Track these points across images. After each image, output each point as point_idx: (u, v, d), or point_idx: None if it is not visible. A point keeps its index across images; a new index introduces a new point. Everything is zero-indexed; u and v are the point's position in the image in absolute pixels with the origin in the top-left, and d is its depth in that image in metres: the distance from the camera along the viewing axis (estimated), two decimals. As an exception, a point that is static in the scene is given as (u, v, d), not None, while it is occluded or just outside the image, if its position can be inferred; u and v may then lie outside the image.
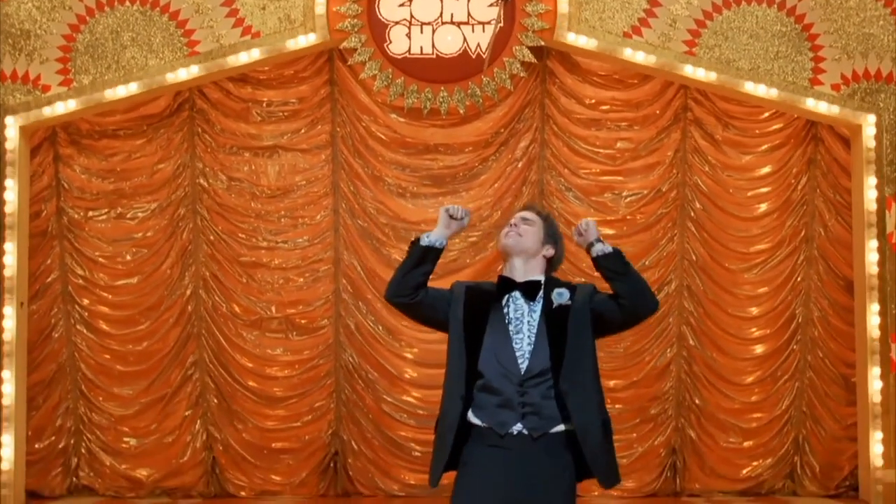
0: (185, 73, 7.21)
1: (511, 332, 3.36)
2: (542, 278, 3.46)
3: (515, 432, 3.27)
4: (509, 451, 3.25)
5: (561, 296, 3.39)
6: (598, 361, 3.45)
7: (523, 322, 3.37)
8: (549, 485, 3.27)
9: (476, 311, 3.39)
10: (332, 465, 7.64)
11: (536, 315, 3.38)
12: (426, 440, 7.42)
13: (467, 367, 3.34)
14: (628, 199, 7.69)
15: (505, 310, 3.40)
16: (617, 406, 7.55)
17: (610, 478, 3.40)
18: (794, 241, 7.68)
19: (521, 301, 3.41)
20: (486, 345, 3.35)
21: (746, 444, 7.64)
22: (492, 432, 3.28)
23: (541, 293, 3.40)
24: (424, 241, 3.44)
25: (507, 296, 3.41)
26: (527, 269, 3.45)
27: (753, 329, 7.69)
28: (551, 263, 3.52)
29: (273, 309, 7.65)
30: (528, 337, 3.35)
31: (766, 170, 7.68)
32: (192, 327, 7.64)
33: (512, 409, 3.28)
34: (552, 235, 3.53)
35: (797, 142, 7.66)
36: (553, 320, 3.37)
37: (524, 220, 3.49)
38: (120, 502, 7.48)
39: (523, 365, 3.32)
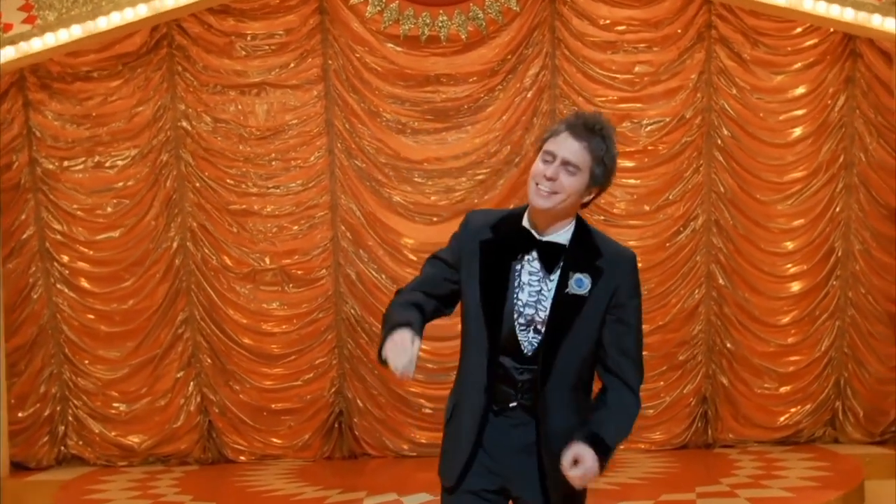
0: (160, 4, 6.91)
1: (519, 305, 2.91)
2: (568, 235, 2.94)
3: (511, 406, 2.93)
4: (509, 417, 2.92)
5: (580, 284, 2.89)
6: (590, 374, 3.00)
7: (536, 297, 2.91)
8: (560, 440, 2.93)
9: (495, 275, 2.92)
10: (336, 425, 7.55)
11: (550, 293, 2.91)
12: (436, 395, 7.41)
13: (489, 348, 2.90)
14: (649, 127, 7.43)
15: (517, 269, 2.93)
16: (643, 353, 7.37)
17: None
18: (831, 167, 7.43)
19: (537, 266, 2.93)
20: (505, 316, 2.91)
21: (783, 389, 7.50)
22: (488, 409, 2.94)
23: (560, 264, 2.91)
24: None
25: (521, 253, 2.93)
26: (555, 224, 2.93)
27: (789, 265, 7.49)
28: (586, 203, 2.99)
29: (267, 260, 7.48)
30: (538, 319, 2.90)
31: (800, 90, 7.39)
32: (180, 283, 7.49)
33: (511, 384, 2.92)
34: (603, 175, 2.91)
35: (833, 58, 7.35)
36: (559, 306, 2.91)
37: (567, 166, 2.85)
38: (112, 471, 7.38)
39: (525, 347, 2.91)
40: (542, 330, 2.90)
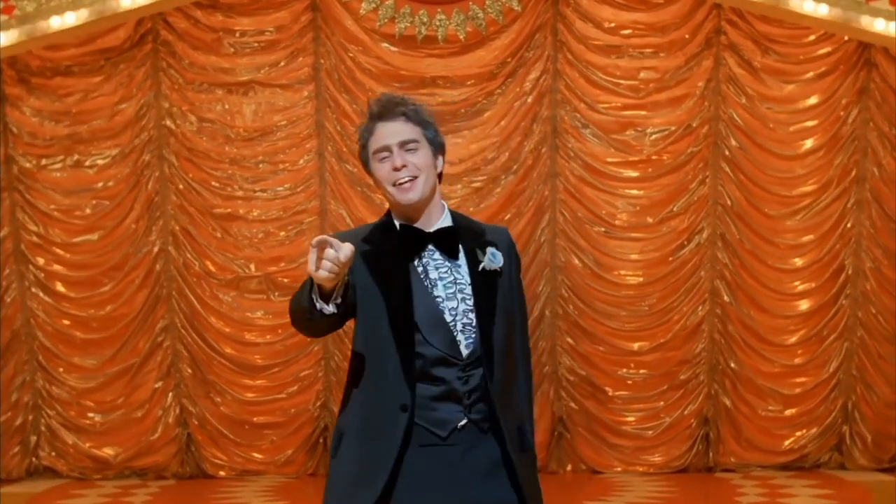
0: (146, -3, 6.73)
1: (440, 302, 2.71)
2: (449, 218, 2.79)
3: (460, 426, 2.68)
4: (454, 447, 2.68)
5: (493, 258, 2.76)
6: (527, 354, 2.88)
7: (454, 287, 2.73)
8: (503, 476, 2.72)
9: (395, 284, 2.69)
10: (321, 440, 7.36)
11: (465, 278, 2.73)
12: None
13: (403, 357, 2.65)
14: (653, 136, 7.25)
15: (421, 272, 2.73)
16: (642, 371, 7.29)
17: None
18: (843, 181, 7.25)
19: (440, 258, 2.75)
20: (420, 321, 2.68)
21: (788, 412, 7.33)
22: (428, 433, 2.67)
23: (460, 246, 2.76)
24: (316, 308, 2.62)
25: (415, 253, 2.73)
26: (429, 211, 2.76)
27: (796, 282, 7.32)
28: (440, 175, 2.84)
29: (252, 267, 7.31)
30: (464, 307, 2.71)
31: (812, 101, 7.21)
32: (160, 289, 7.31)
33: (456, 399, 2.68)
34: (435, 135, 2.80)
35: (847, 68, 7.17)
36: (480, 287, 2.73)
37: (405, 146, 2.72)
38: (85, 484, 7.19)
39: (467, 344, 2.70)
40: (473, 319, 2.70)
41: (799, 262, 7.30)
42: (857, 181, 7.26)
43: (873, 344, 7.30)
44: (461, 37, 7.05)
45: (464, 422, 2.68)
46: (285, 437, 7.34)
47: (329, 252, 2.48)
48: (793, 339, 7.32)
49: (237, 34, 7.22)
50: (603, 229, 7.23)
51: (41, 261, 7.28)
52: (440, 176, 2.82)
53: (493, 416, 2.70)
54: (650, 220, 7.28)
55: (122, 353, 7.28)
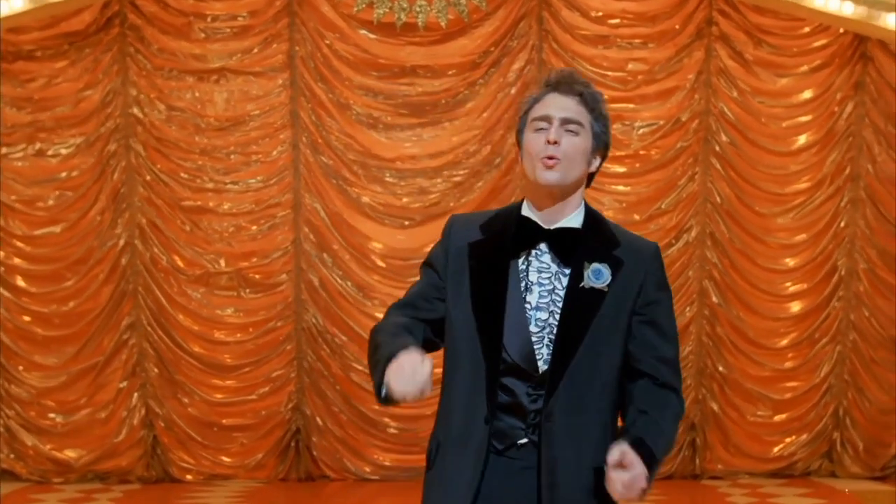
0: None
1: (528, 309, 2.48)
2: (580, 219, 2.54)
3: (520, 443, 2.48)
4: (513, 460, 2.49)
5: (599, 276, 2.48)
6: (619, 393, 2.55)
7: (549, 297, 2.49)
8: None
9: (491, 280, 2.49)
10: (293, 444, 7.21)
11: (563, 288, 2.48)
12: (402, 415, 7.08)
13: (488, 370, 2.46)
14: (641, 130, 7.12)
15: (522, 268, 2.50)
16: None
17: None
18: (837, 179, 7.13)
19: (548, 259, 2.50)
20: (506, 325, 2.47)
21: (778, 417, 7.22)
22: (491, 443, 2.49)
23: (576, 254, 2.51)
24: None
25: (526, 249, 2.51)
26: (563, 205, 2.53)
27: (788, 283, 7.20)
28: (591, 177, 2.61)
29: (222, 262, 7.14)
30: (553, 321, 2.47)
31: (806, 95, 7.08)
32: (126, 284, 7.12)
33: (521, 415, 2.47)
34: (604, 132, 2.57)
35: (842, 61, 7.05)
36: (574, 304, 2.46)
37: (567, 125, 2.49)
38: (45, 488, 7.00)
39: (544, 358, 2.47)
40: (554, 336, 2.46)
41: (791, 262, 7.19)
42: (852, 179, 7.15)
43: (866, 348, 7.19)
44: (442, 24, 6.88)
45: (524, 440, 2.46)
46: (256, 441, 7.17)
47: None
48: (783, 342, 7.21)
49: (209, 19, 7.04)
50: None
51: (1, 254, 7.07)
52: (591, 177, 2.57)
53: (551, 441, 2.46)
54: (637, 217, 7.13)
55: (85, 351, 7.09)
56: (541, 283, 2.49)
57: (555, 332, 2.46)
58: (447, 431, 2.55)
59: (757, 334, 7.19)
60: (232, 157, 7.14)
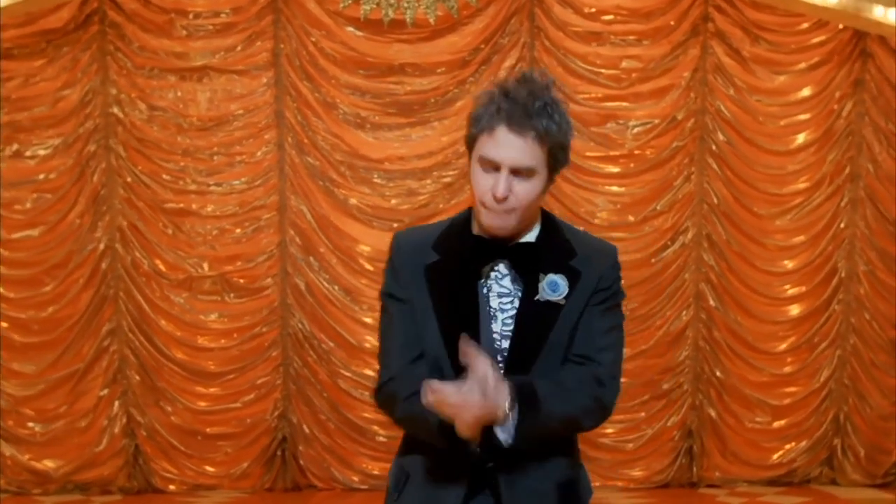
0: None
1: (496, 340, 2.35)
2: (536, 232, 2.40)
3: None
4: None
5: (555, 288, 2.34)
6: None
7: (512, 324, 2.36)
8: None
9: (459, 306, 2.34)
10: (279, 452, 7.06)
11: (516, 302, 2.36)
12: (391, 423, 6.96)
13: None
14: (636, 129, 6.96)
15: (485, 293, 2.35)
16: (622, 380, 6.92)
17: None
18: (836, 179, 6.99)
19: (508, 281, 2.36)
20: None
21: (777, 424, 7.09)
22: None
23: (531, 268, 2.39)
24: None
25: (486, 269, 2.36)
26: (517, 230, 2.38)
27: (787, 286, 7.06)
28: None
29: (205, 266, 6.98)
30: (506, 345, 2.36)
31: (805, 93, 6.93)
32: (107, 289, 6.96)
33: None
34: (564, 155, 2.37)
35: (841, 58, 6.90)
36: (527, 319, 2.32)
37: (518, 174, 2.29)
38: (23, 500, 6.84)
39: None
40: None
41: (789, 264, 7.05)
42: (851, 179, 7.01)
43: (867, 352, 7.06)
44: (431, 21, 6.73)
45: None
46: (241, 449, 7.02)
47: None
48: (782, 347, 7.07)
49: (191, 16, 6.87)
50: (581, 228, 6.93)
51: (-23, 258, 6.93)
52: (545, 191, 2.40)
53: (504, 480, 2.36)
54: (632, 218, 6.99)
55: (64, 358, 6.92)
56: (503, 310, 2.34)
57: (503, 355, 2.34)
58: (417, 462, 2.42)
59: (755, 338, 7.05)
60: (215, 157, 6.97)
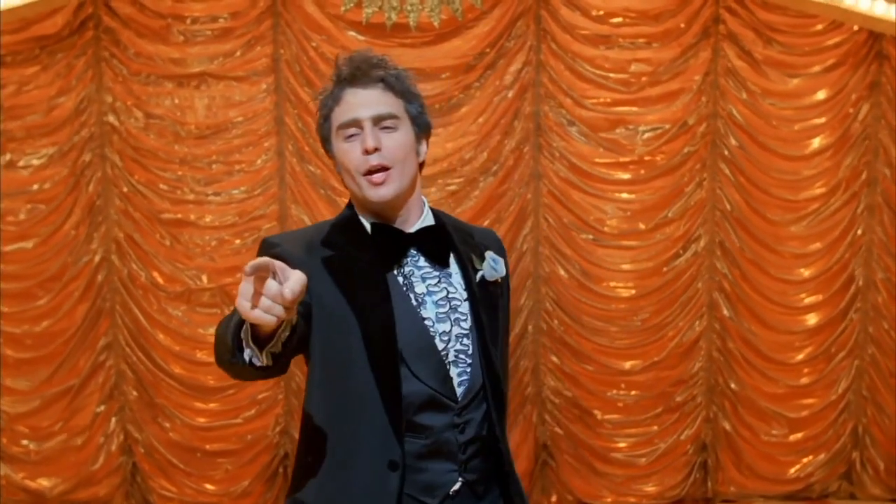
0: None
1: (430, 325, 2.19)
2: (430, 216, 2.31)
3: (453, 491, 2.19)
4: None
5: (495, 265, 2.26)
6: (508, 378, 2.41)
7: (447, 305, 2.21)
8: None
9: (367, 295, 2.16)
10: (281, 469, 6.89)
11: (460, 292, 2.22)
12: None
13: (387, 400, 2.13)
14: (646, 135, 6.82)
15: (403, 284, 2.21)
16: (634, 392, 6.85)
17: None
18: (852, 184, 6.83)
19: (427, 266, 2.24)
20: (405, 350, 2.16)
21: (793, 437, 6.93)
22: (413, 501, 2.16)
23: (450, 251, 2.27)
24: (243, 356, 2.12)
25: (394, 259, 2.23)
26: (407, 210, 2.28)
27: (802, 295, 6.90)
28: (422, 165, 2.37)
29: (204, 278, 6.83)
30: (458, 330, 2.21)
31: (820, 96, 6.77)
32: (103, 302, 6.81)
33: (449, 455, 2.18)
34: (421, 110, 2.32)
35: (857, 60, 6.75)
36: (480, 303, 2.22)
37: (382, 123, 2.22)
38: (18, 520, 6.71)
39: (460, 381, 2.19)
40: (470, 346, 2.17)
41: (805, 272, 6.89)
42: (868, 184, 6.84)
43: (885, 362, 6.89)
44: (435, 24, 6.59)
45: (458, 485, 2.17)
46: (241, 467, 6.86)
47: (271, 285, 1.83)
48: (798, 357, 6.91)
49: (188, 21, 6.73)
50: (591, 236, 6.81)
51: (-31, 271, 6.79)
52: (422, 165, 2.30)
53: (498, 474, 2.19)
54: (643, 226, 6.84)
55: (59, 373, 6.77)
56: (431, 292, 2.20)
57: (461, 342, 2.18)
58: (317, 496, 2.22)
59: (770, 349, 6.89)
60: (214, 166, 6.82)
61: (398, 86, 2.27)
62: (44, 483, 6.84)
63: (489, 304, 2.24)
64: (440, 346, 2.18)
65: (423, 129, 2.31)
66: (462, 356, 2.20)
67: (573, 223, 6.83)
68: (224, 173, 6.84)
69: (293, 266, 1.97)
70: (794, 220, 6.86)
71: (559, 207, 6.85)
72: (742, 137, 6.82)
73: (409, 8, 6.48)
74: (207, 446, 6.86)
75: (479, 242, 2.32)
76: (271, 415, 6.90)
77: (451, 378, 2.18)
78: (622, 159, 6.81)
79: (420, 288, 2.22)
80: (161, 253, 6.80)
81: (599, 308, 6.85)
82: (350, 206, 2.33)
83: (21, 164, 6.78)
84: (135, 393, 6.86)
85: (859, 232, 6.88)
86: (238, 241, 6.85)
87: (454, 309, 2.22)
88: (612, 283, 6.88)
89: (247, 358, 2.02)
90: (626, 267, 6.86)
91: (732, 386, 6.92)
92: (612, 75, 6.79)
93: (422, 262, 2.24)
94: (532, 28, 6.78)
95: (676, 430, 6.91)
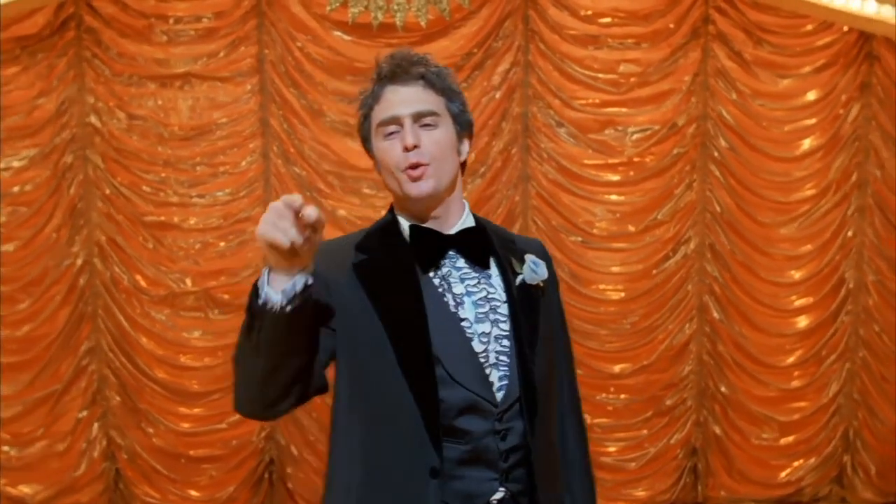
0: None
1: (467, 326, 2.14)
2: (471, 218, 2.28)
3: (495, 500, 2.13)
4: None
5: (536, 267, 2.21)
6: (578, 399, 2.37)
7: (487, 306, 2.17)
8: None
9: (403, 305, 2.12)
10: (266, 475, 6.86)
11: (500, 293, 2.17)
12: None
13: (423, 404, 2.08)
14: (635, 136, 6.78)
15: (440, 286, 2.17)
16: (623, 396, 6.82)
17: None
18: (843, 186, 6.81)
19: (466, 267, 2.19)
20: (442, 352, 2.11)
21: (784, 440, 6.91)
22: None
23: (490, 252, 2.24)
24: (258, 302, 2.06)
25: (432, 262, 2.19)
26: (446, 209, 2.24)
27: (793, 297, 6.87)
28: (464, 165, 2.33)
29: (188, 281, 6.77)
30: (497, 332, 2.15)
31: (810, 97, 6.75)
32: (85, 306, 6.74)
33: (489, 463, 2.12)
34: (462, 108, 2.30)
35: (847, 61, 6.73)
36: (520, 306, 2.16)
37: (422, 120, 2.20)
38: (-2, 528, 6.64)
39: (500, 385, 2.13)
40: (509, 347, 2.11)
41: (796, 274, 6.86)
42: (859, 185, 6.83)
43: (876, 365, 6.88)
44: (422, 24, 6.54)
45: (500, 495, 2.11)
46: (226, 473, 6.80)
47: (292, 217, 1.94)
48: (789, 360, 6.89)
49: (171, 20, 6.65)
50: (580, 239, 6.78)
51: (-51, 275, 6.72)
52: (464, 165, 2.28)
53: (532, 487, 2.11)
54: (632, 228, 6.81)
55: (41, 378, 6.69)
56: (470, 293, 2.16)
57: (501, 343, 2.12)
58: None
59: (761, 352, 6.86)
60: (198, 168, 6.76)
61: (439, 83, 2.24)
62: (25, 490, 6.77)
63: (529, 307, 2.18)
64: (479, 347, 2.14)
65: (464, 128, 2.28)
66: (503, 357, 2.14)
67: (562, 225, 6.79)
68: (208, 175, 6.78)
69: (321, 280, 2.06)
70: (785, 221, 6.84)
71: (548, 210, 6.81)
72: (732, 139, 6.79)
73: (395, 7, 6.44)
74: (192, 452, 6.80)
75: (521, 248, 2.29)
76: (256, 421, 6.83)
77: (492, 382, 2.13)
78: (611, 161, 6.78)
79: (459, 288, 2.18)
80: (144, 256, 6.74)
81: (589, 311, 6.81)
82: (391, 210, 2.31)
83: (1, 165, 6.69)
84: (118, 398, 6.80)
85: (850, 234, 6.87)
86: (223, 244, 6.79)
87: (494, 310, 2.17)
88: (602, 286, 6.85)
89: (265, 301, 2.05)
90: (615, 269, 6.83)
91: (723, 389, 6.90)
92: (600, 76, 6.76)
93: (461, 262, 2.21)
94: (520, 28, 6.75)
95: (666, 434, 6.89)
